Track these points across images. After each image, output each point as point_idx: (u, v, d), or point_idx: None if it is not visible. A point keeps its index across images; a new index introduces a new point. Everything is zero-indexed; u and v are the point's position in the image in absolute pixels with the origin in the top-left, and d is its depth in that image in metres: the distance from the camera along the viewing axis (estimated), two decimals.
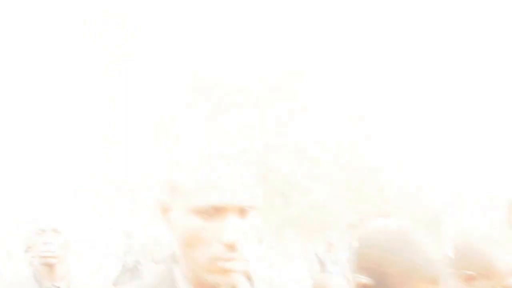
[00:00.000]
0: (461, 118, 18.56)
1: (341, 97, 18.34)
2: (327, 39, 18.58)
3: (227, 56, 18.94)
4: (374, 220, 1.57)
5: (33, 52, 22.83)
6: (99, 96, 22.34)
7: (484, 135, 18.53)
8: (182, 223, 1.25)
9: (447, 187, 17.94)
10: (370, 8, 19.11)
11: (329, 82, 18.23)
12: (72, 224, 2.91)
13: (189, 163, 1.25)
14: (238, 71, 18.57)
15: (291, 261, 15.56)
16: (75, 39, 22.57)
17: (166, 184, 1.29)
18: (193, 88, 19.18)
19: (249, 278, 1.34)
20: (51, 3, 22.66)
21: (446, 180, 18.04)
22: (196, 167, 1.24)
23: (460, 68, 18.91)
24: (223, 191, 1.20)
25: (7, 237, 18.41)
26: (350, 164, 17.28)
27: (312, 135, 16.99)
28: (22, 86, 22.75)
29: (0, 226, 20.42)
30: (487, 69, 18.85)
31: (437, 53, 18.78)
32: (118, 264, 12.68)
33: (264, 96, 17.99)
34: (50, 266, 2.77)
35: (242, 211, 1.22)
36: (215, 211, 1.21)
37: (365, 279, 1.50)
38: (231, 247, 1.19)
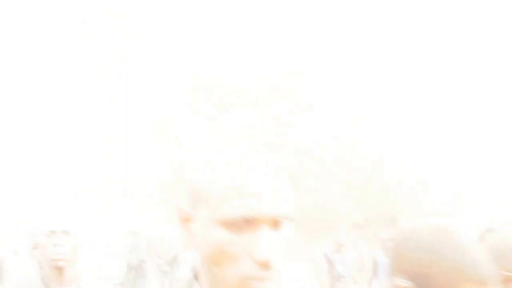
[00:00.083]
0: (463, 117, 18.56)
1: (341, 97, 18.34)
2: (327, 39, 18.58)
3: (227, 56, 18.94)
4: (411, 220, 1.48)
5: (33, 52, 22.83)
6: (99, 96, 22.35)
7: (485, 135, 18.54)
8: (206, 236, 1.07)
9: (450, 185, 17.93)
10: (370, 8, 19.11)
11: (330, 81, 18.24)
12: (81, 225, 2.83)
13: (215, 167, 1.08)
14: (238, 71, 18.58)
15: (294, 261, 15.57)
16: (75, 39, 22.56)
17: (187, 190, 1.12)
18: (193, 88, 19.18)
19: None
20: (51, 3, 22.66)
21: (449, 179, 18.03)
22: (224, 172, 1.06)
23: (460, 68, 18.91)
24: (256, 200, 1.04)
25: (9, 236, 18.42)
26: (352, 163, 17.27)
27: (313, 134, 16.98)
28: (22, 86, 22.75)
29: (2, 226, 20.44)
30: (488, 69, 18.85)
31: (439, 52, 18.78)
32: (117, 263, 12.67)
33: (264, 96, 18.00)
34: (59, 269, 2.66)
35: (276, 223, 1.06)
36: (246, 223, 1.04)
37: (405, 282, 1.41)
38: (265, 265, 1.03)
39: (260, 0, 19.71)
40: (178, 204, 1.13)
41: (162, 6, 21.85)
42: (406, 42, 18.67)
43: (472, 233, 1.50)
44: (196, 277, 1.16)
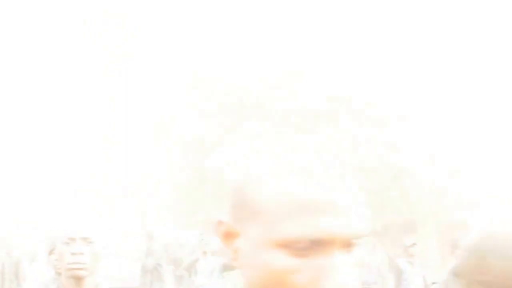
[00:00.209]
0: (480, 117, 18.49)
1: (341, 97, 18.33)
2: (327, 39, 18.58)
3: (227, 56, 18.94)
4: (488, 224, 1.31)
5: (33, 52, 22.82)
6: (99, 96, 22.34)
7: (485, 135, 18.54)
8: (257, 258, 0.85)
9: (469, 189, 17.81)
10: (370, 8, 19.11)
11: (330, 81, 18.24)
12: (101, 232, 2.63)
13: (274, 176, 0.86)
14: (238, 71, 18.57)
15: None
16: (75, 39, 22.57)
17: (231, 200, 0.91)
18: (193, 88, 19.18)
19: None
20: (51, 3, 22.66)
21: (468, 183, 17.92)
22: (287, 182, 0.84)
23: (460, 70, 18.91)
24: (330, 217, 0.82)
25: (25, 239, 18.42)
26: (370, 169, 17.11)
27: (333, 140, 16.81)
28: (22, 86, 22.75)
29: (16, 228, 20.45)
30: (486, 70, 18.85)
31: (444, 51, 18.77)
32: (132, 267, 12.65)
33: (264, 96, 18.00)
34: (78, 279, 2.45)
35: (349, 244, 0.84)
36: (314, 245, 0.82)
37: None
38: None
39: (260, 0, 19.71)
40: (219, 217, 0.91)
41: (162, 6, 21.85)
42: (409, 40, 18.67)
43: None
44: None
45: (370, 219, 0.87)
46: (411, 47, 18.63)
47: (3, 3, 22.07)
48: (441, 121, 18.46)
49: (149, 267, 10.21)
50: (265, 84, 18.28)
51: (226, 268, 7.39)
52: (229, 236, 0.91)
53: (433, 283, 1.56)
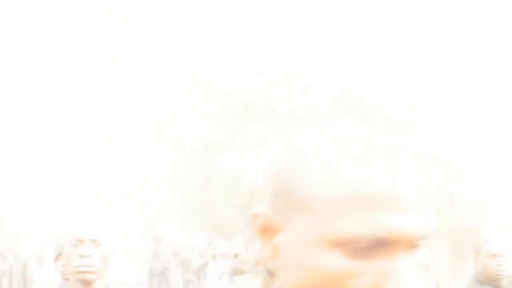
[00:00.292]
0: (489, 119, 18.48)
1: (349, 98, 18.32)
2: (327, 39, 18.58)
3: (227, 56, 18.94)
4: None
5: (33, 52, 22.82)
6: (99, 96, 22.35)
7: (486, 136, 18.53)
8: (304, 258, 0.72)
9: (478, 194, 17.74)
10: (370, 8, 19.10)
11: (330, 81, 18.24)
12: (110, 233, 2.45)
13: (331, 164, 0.72)
14: (238, 71, 18.57)
15: None
16: (75, 39, 22.57)
17: (275, 186, 0.77)
18: (193, 88, 19.18)
19: None
20: (51, 3, 22.66)
21: (476, 187, 17.87)
22: (347, 172, 0.71)
23: (467, 71, 18.91)
24: (400, 214, 0.70)
25: (32, 240, 18.44)
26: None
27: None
28: (22, 86, 22.75)
29: (23, 229, 20.45)
30: (488, 72, 18.84)
31: (447, 55, 18.78)
32: (139, 270, 12.64)
33: (264, 96, 18.00)
34: (86, 283, 2.36)
35: (414, 246, 0.72)
36: (374, 246, 0.70)
37: None
38: None
39: (260, 0, 19.71)
40: (255, 209, 0.79)
41: (162, 6, 21.86)
42: (415, 41, 18.67)
43: None
44: None
45: (434, 218, 0.75)
46: (417, 48, 18.63)
47: (3, 3, 22.08)
48: (448, 125, 18.43)
49: (157, 271, 10.12)
50: (265, 84, 18.27)
51: (236, 272, 7.37)
52: (267, 231, 0.78)
53: None
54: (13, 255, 11.11)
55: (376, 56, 18.28)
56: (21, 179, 21.67)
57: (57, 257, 3.08)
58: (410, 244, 0.71)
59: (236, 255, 7.86)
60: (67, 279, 2.77)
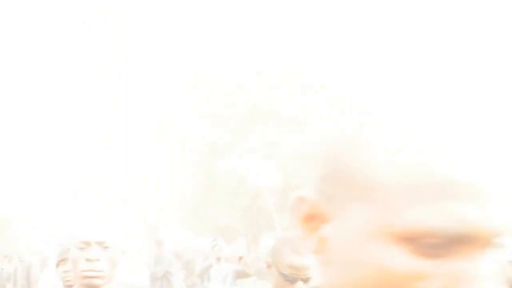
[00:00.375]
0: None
1: (342, 98, 18.32)
2: (327, 39, 18.58)
3: (227, 56, 18.94)
4: None
5: (33, 52, 22.83)
6: (99, 96, 22.35)
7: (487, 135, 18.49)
8: (364, 255, 0.60)
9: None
10: (370, 8, 19.11)
11: (331, 81, 18.24)
12: (119, 235, 2.39)
13: (402, 143, 0.61)
14: (238, 71, 18.58)
15: None
16: (75, 39, 22.57)
17: (326, 167, 0.64)
18: (193, 88, 19.18)
19: None
20: (51, 3, 22.66)
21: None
22: (422, 156, 0.59)
23: (469, 73, 18.92)
24: (482, 206, 0.58)
25: (37, 242, 18.45)
26: None
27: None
28: (22, 86, 22.75)
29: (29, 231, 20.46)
30: (487, 72, 18.86)
31: (442, 51, 18.78)
32: (141, 274, 12.63)
33: (264, 96, 18.00)
34: None
35: (492, 244, 0.61)
36: (454, 242, 0.58)
37: None
38: None
39: (260, 0, 19.71)
40: (300, 192, 0.66)
41: (162, 6, 21.86)
42: (410, 40, 18.67)
43: None
44: None
45: None
46: (420, 48, 18.63)
47: (3, 3, 22.08)
48: (449, 127, 18.40)
49: (159, 275, 10.07)
50: (265, 84, 18.28)
51: (240, 275, 7.36)
52: (313, 219, 0.64)
53: None
54: (17, 257, 11.14)
55: (375, 56, 18.29)
56: (21, 179, 21.67)
57: (59, 263, 2.99)
58: (488, 242, 0.59)
59: (240, 258, 7.83)
60: (69, 286, 2.69)
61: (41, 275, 10.49)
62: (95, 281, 2.11)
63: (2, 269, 10.45)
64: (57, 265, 3.00)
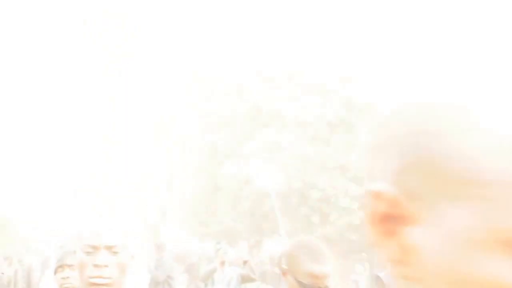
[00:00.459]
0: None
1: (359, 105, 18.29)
2: (327, 39, 18.58)
3: (227, 56, 18.94)
4: None
5: (33, 52, 22.82)
6: (99, 96, 22.35)
7: None
8: (463, 266, 0.47)
9: None
10: (370, 8, 19.11)
11: (331, 81, 18.24)
12: (128, 238, 2.11)
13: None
14: (238, 71, 18.57)
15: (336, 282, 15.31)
16: (75, 39, 22.57)
17: (411, 156, 0.50)
18: (193, 88, 19.17)
19: None
20: (51, 3, 22.66)
21: None
22: None
23: (456, 68, 18.86)
24: None
25: (38, 244, 18.43)
26: None
27: (351, 153, 16.61)
28: (22, 86, 22.75)
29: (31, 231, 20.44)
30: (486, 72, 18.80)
31: (445, 53, 18.79)
32: (141, 278, 12.62)
33: (264, 96, 17.99)
34: None
35: None
36: None
37: None
38: None
39: (259, 0, 19.71)
40: (375, 186, 0.51)
41: (162, 6, 21.86)
42: (410, 39, 18.67)
43: None
44: None
45: None
46: (421, 48, 18.64)
47: (3, 3, 22.08)
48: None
49: (160, 279, 9.99)
50: (265, 84, 18.27)
51: (244, 279, 7.31)
52: (390, 220, 0.51)
53: None
54: (17, 260, 11.11)
55: (375, 56, 18.29)
56: (22, 179, 21.67)
57: (57, 269, 2.83)
58: None
59: (245, 262, 7.77)
60: None
61: (42, 277, 10.48)
62: None
63: (3, 273, 10.41)
64: (55, 271, 2.84)
